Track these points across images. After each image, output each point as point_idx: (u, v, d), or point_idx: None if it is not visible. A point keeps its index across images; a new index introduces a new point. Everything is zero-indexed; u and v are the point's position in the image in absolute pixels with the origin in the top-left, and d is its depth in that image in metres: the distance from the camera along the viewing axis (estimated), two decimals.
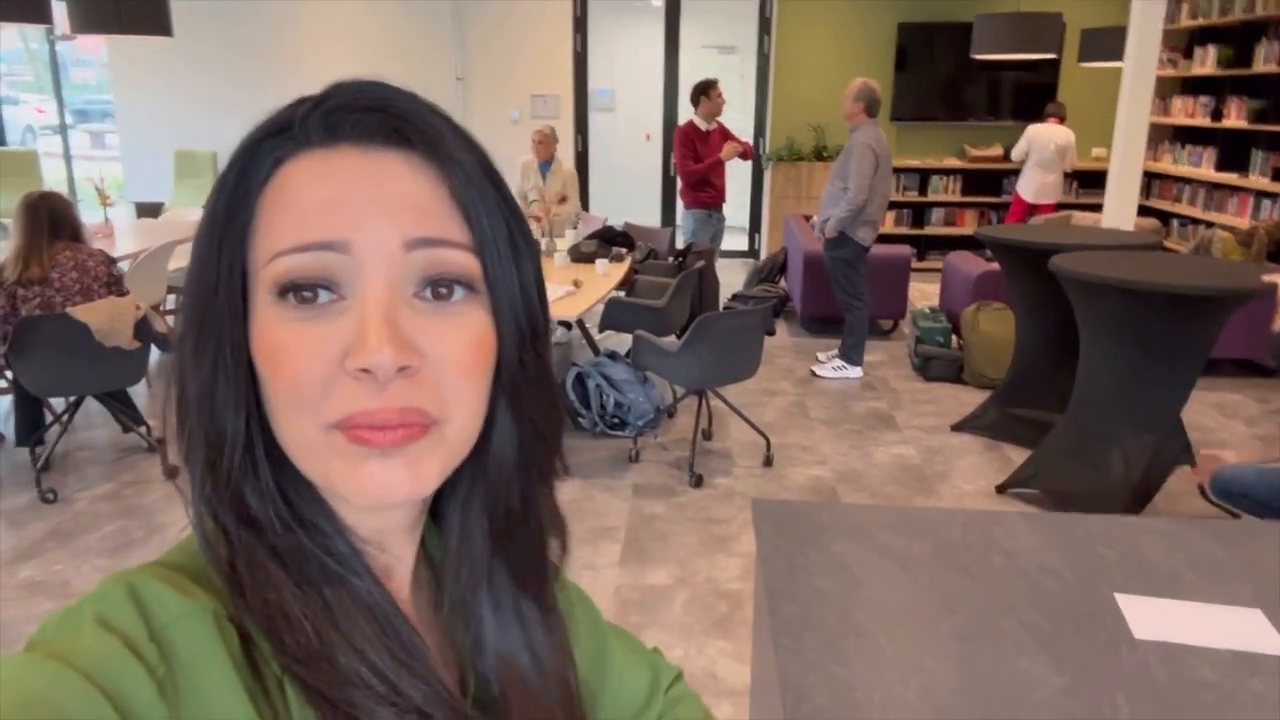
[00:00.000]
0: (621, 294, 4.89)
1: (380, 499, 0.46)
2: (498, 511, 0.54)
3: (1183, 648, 1.23)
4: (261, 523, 0.47)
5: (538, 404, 0.52)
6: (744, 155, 5.93)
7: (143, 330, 3.64)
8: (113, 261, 3.77)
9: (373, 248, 0.45)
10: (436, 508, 0.56)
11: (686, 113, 6.05)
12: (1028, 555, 1.49)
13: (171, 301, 5.72)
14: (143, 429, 4.05)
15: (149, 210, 7.12)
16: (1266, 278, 2.98)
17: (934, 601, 1.36)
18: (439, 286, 0.46)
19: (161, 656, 0.41)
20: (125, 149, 8.69)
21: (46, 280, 3.45)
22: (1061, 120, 7.36)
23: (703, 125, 5.80)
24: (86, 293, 3.54)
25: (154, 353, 5.22)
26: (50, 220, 3.50)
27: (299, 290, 0.45)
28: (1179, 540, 1.53)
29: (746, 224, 9.12)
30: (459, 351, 0.47)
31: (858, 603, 1.35)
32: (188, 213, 6.64)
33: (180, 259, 5.26)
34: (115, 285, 3.67)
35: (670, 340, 4.17)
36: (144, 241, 5.02)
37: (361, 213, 0.45)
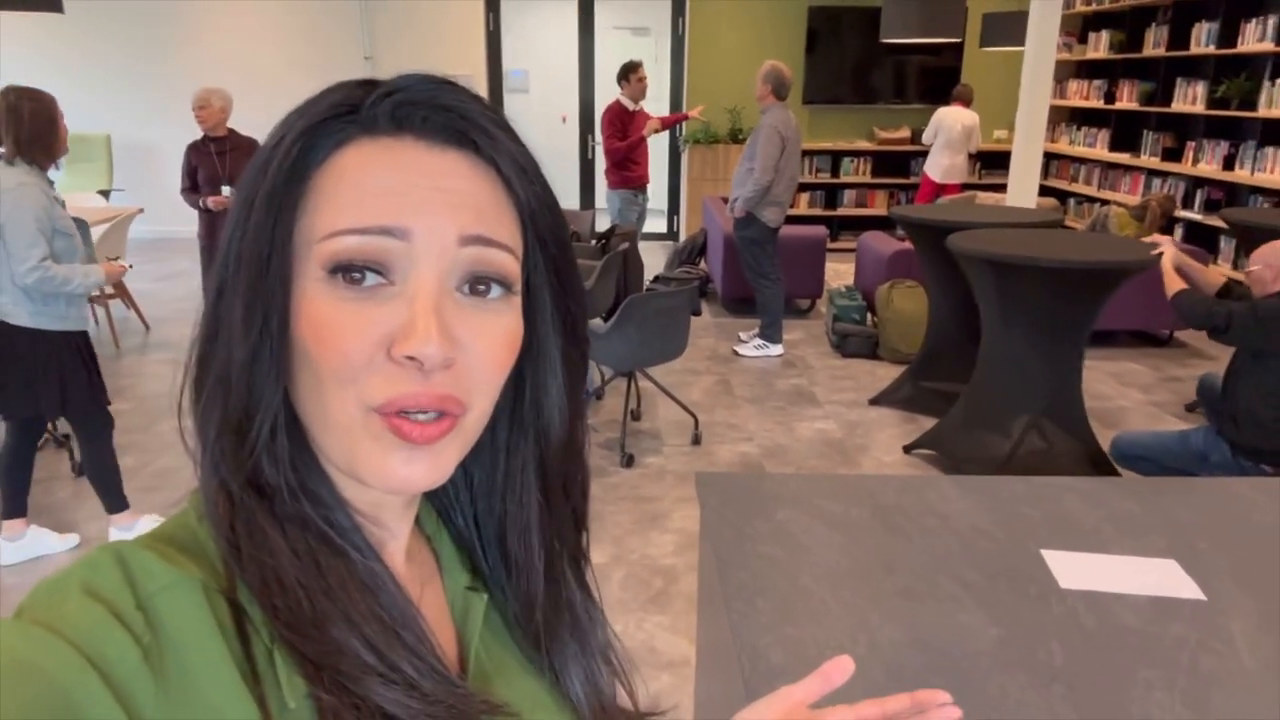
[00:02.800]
0: None
1: (403, 488, 0.48)
2: (554, 485, 0.59)
3: (1106, 596, 1.32)
4: (270, 489, 0.48)
5: (581, 383, 0.58)
6: (665, 125, 6.14)
7: None
8: None
9: (430, 239, 0.47)
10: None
11: (602, 94, 6.08)
12: (960, 517, 1.56)
13: None
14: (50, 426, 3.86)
15: None
16: (1148, 239, 3.17)
17: (876, 562, 1.42)
18: (479, 283, 0.48)
19: (148, 625, 0.42)
20: None
21: None
22: (967, 103, 7.60)
23: (629, 105, 5.83)
24: None
25: None
26: None
27: (350, 271, 0.46)
28: (1097, 498, 1.63)
29: (665, 206, 9.18)
30: (493, 347, 0.49)
31: (804, 566, 1.40)
32: (82, 198, 6.30)
33: None
34: None
35: (597, 323, 4.18)
36: None
37: (424, 204, 0.47)
